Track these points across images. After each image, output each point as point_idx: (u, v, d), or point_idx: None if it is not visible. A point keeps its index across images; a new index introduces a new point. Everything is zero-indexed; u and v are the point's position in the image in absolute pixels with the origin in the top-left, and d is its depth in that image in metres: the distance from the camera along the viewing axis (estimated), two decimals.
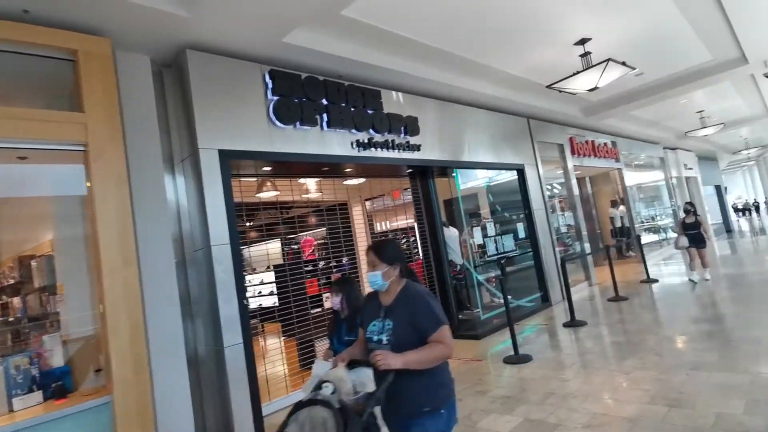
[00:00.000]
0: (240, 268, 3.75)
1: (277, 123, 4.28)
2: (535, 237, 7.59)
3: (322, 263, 7.51)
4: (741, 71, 7.61)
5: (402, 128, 5.50)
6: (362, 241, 7.89)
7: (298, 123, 4.44)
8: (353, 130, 4.97)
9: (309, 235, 10.37)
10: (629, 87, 8.27)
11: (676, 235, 8.42)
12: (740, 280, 7.19)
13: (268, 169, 4.70)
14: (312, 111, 4.54)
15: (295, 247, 11.60)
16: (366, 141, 5.07)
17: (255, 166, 4.60)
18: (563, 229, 8.72)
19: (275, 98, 4.28)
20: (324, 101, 4.69)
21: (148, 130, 3.63)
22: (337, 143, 4.83)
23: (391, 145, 5.35)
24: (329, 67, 4.72)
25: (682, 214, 8.11)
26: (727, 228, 21.32)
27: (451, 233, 6.74)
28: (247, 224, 5.89)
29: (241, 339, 3.63)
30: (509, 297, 7.18)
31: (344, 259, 7.06)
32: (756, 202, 30.99)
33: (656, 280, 8.19)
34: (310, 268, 6.68)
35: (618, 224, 12.17)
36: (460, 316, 6.38)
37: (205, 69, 3.90)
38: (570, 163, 9.26)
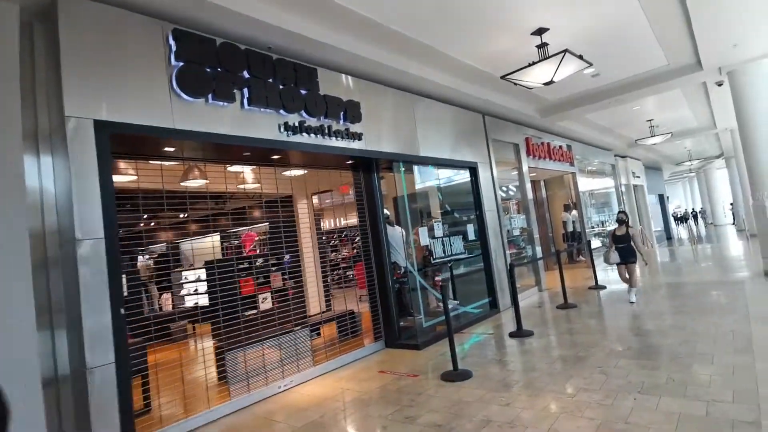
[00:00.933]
0: (117, 268, 3.01)
1: (182, 95, 3.57)
2: (486, 239, 7.21)
3: (260, 260, 6.83)
4: (695, 78, 7.56)
5: (341, 113, 4.90)
6: (307, 239, 7.23)
7: (210, 97, 3.74)
8: (282, 111, 4.31)
9: (251, 230, 9.59)
10: (584, 88, 8.08)
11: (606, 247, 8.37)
12: (682, 289, 7.13)
13: (171, 149, 3.95)
14: (228, 84, 3.85)
15: (236, 242, 10.69)
16: (296, 125, 4.42)
17: (175, 147, 3.86)
18: (515, 232, 8.43)
19: (179, 64, 3.56)
20: (245, 74, 4.01)
21: (7, 94, 2.83)
22: (262, 125, 4.17)
23: (327, 131, 4.73)
24: (255, 35, 4.04)
25: (613, 225, 8.03)
26: (668, 235, 22.24)
27: (395, 232, 6.22)
28: (182, 215, 5.08)
29: (112, 358, 2.90)
30: (455, 302, 6.83)
31: (286, 257, 6.41)
32: (694, 211, 32.76)
33: (604, 287, 8.05)
34: (245, 265, 5.92)
35: (570, 228, 12.15)
36: (401, 323, 5.87)
37: (83, 18, 3.13)
38: (525, 164, 8.99)
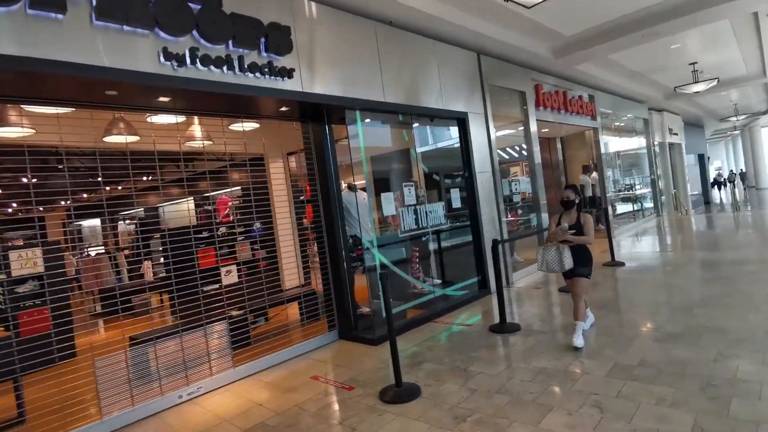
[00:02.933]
0: None
1: None
2: (476, 207, 5.96)
3: (222, 229, 5.87)
4: (744, 3, 5.84)
5: (261, 40, 3.65)
6: (283, 204, 6.15)
7: (24, 3, 2.57)
8: (160, 33, 3.11)
9: (225, 194, 8.64)
10: (610, 17, 6.45)
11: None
12: (717, 270, 5.76)
13: None
14: None
15: (209, 207, 9.74)
16: (185, 53, 3.22)
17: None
18: (516, 198, 7.12)
19: None
20: None
21: None
22: (129, 51, 2.99)
23: (239, 64, 3.51)
24: None
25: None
26: (706, 200, 20.25)
27: (357, 200, 5.07)
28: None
29: None
30: (437, 282, 5.70)
31: (257, 225, 5.41)
32: (733, 173, 29.84)
33: (622, 264, 6.74)
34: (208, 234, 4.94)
35: (589, 193, 10.66)
36: (360, 310, 4.81)
37: None
38: (533, 118, 7.53)
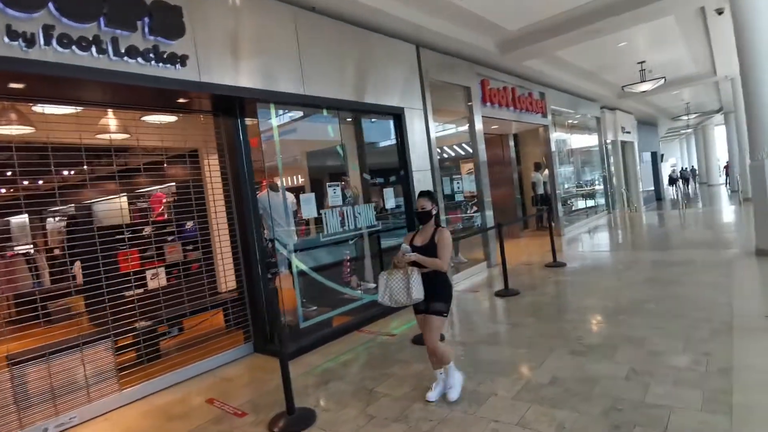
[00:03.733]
0: None
1: None
2: (411, 208, 5.68)
3: (148, 228, 5.35)
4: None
5: (143, 20, 3.20)
6: (220, 203, 5.64)
7: None
8: (5, 8, 2.63)
9: (160, 190, 8.05)
10: (554, 12, 6.28)
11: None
12: (655, 271, 5.72)
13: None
14: None
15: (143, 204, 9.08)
16: (38, 32, 2.75)
17: None
18: (459, 197, 6.89)
19: None
20: None
21: None
22: None
23: (113, 48, 3.06)
24: None
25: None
26: (658, 196, 20.87)
27: (275, 200, 4.70)
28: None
29: None
30: (370, 287, 5.38)
31: (189, 224, 4.95)
32: (684, 170, 30.87)
33: (563, 264, 6.64)
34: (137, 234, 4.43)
35: (540, 191, 10.63)
36: (282, 320, 4.45)
37: None
38: (479, 114, 7.31)
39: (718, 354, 2.99)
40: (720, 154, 26.60)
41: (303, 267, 4.54)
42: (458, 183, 6.83)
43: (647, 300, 4.38)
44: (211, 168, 4.30)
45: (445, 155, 8.72)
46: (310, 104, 4.58)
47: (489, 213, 7.26)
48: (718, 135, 25.89)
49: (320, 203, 4.70)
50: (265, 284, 4.29)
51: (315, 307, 4.89)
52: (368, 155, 5.82)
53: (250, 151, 4.24)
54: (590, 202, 13.06)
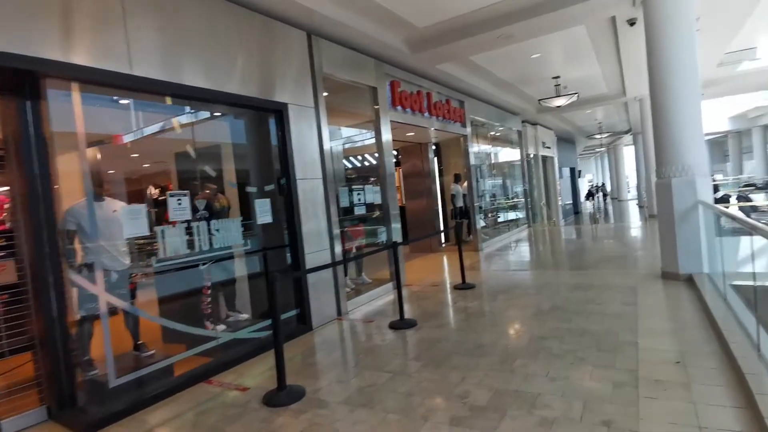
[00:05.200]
0: None
1: None
2: (295, 223, 4.77)
3: None
4: (599, 5, 5.47)
5: None
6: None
7: None
8: None
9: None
10: (464, 10, 5.73)
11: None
12: (557, 298, 5.27)
13: None
14: None
15: None
16: None
17: None
18: (360, 210, 6.09)
19: None
20: None
21: None
22: None
23: None
24: None
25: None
26: (576, 210, 21.72)
27: (105, 213, 3.59)
28: None
29: None
30: (238, 318, 4.33)
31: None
32: (596, 187, 32.89)
33: (472, 286, 6.06)
34: None
35: (460, 203, 10.20)
36: (89, 374, 3.32)
37: None
38: (386, 117, 6.59)
39: (620, 422, 2.38)
40: (629, 172, 28.63)
41: (121, 303, 3.45)
42: (359, 195, 6.02)
43: (550, 336, 3.81)
44: None
45: (351, 163, 7.93)
46: (142, 89, 3.53)
47: (396, 226, 6.53)
48: (627, 154, 27.84)
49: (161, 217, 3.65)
50: (64, 326, 3.14)
51: (151, 351, 3.81)
52: (242, 159, 4.84)
53: (45, 146, 3.11)
54: (511, 215, 12.96)
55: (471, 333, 4.15)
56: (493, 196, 11.75)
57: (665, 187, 5.29)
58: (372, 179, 6.59)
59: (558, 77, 9.60)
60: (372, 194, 6.27)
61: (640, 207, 18.75)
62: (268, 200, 4.53)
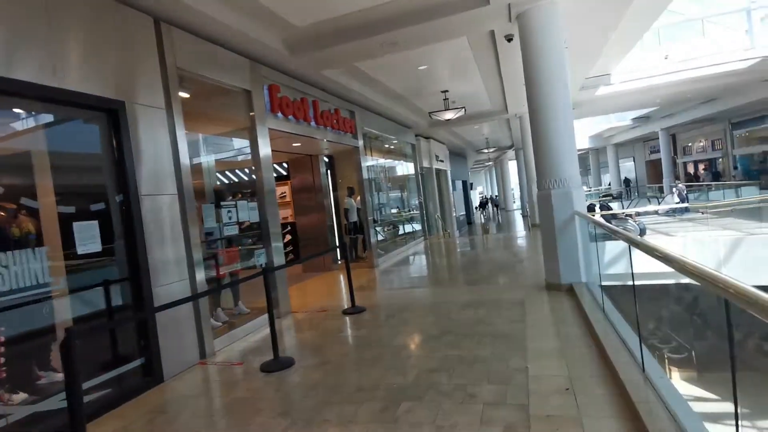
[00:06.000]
0: None
1: None
2: (136, 250, 3.81)
3: None
4: (480, 18, 5.43)
5: None
6: None
7: None
8: None
9: None
10: (339, 14, 5.30)
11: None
12: (447, 317, 5.02)
13: None
14: None
15: None
16: None
17: None
18: (230, 230, 5.26)
19: None
20: None
21: None
22: None
23: None
24: None
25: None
26: (469, 221, 22.77)
27: None
28: None
29: None
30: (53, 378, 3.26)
31: None
32: (486, 198, 35.46)
33: (362, 309, 5.56)
34: None
35: (354, 218, 9.74)
36: None
37: None
38: (262, 125, 5.86)
39: None
40: (513, 185, 31.18)
41: None
42: (230, 212, 5.20)
43: (439, 369, 3.42)
44: None
45: (232, 177, 7.04)
46: None
47: (277, 246, 5.80)
48: (511, 168, 30.31)
49: None
50: None
51: None
52: (65, 171, 3.77)
53: None
54: (408, 228, 12.90)
55: (353, 371, 3.60)
56: (389, 209, 11.55)
57: (546, 198, 5.36)
58: (248, 194, 5.78)
59: (446, 91, 9.73)
60: (247, 211, 5.47)
61: (524, 216, 20.26)
62: (93, 223, 3.53)
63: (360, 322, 5.10)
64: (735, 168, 21.99)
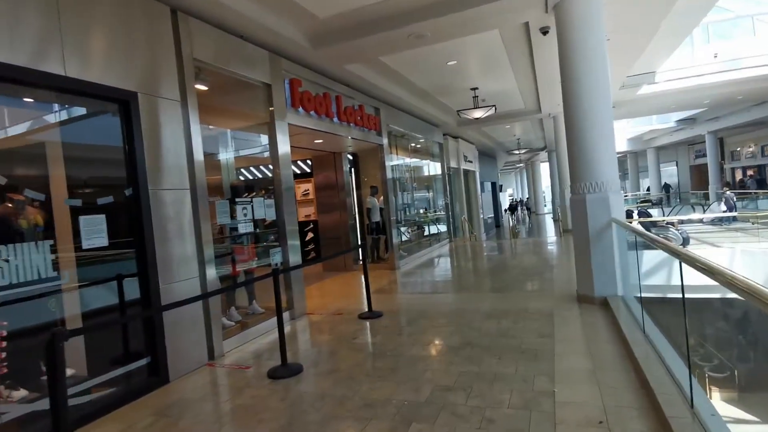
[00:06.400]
0: None
1: None
2: (145, 247, 3.69)
3: None
4: (510, 7, 5.07)
5: None
6: None
7: None
8: None
9: None
10: (364, 3, 5.06)
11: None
12: (470, 331, 4.70)
13: None
14: None
15: None
16: None
17: None
18: (245, 228, 5.11)
19: None
20: None
21: None
22: None
23: None
24: None
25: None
26: (497, 224, 22.17)
27: None
28: None
29: None
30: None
31: None
32: (515, 201, 34.56)
33: (379, 314, 5.31)
34: None
35: (376, 218, 9.50)
36: None
37: None
38: (282, 120, 5.70)
39: None
40: (545, 188, 30.19)
41: None
42: (245, 210, 5.05)
43: (456, 387, 3.12)
44: None
45: (250, 173, 6.94)
46: None
47: (294, 244, 5.62)
48: (543, 170, 29.36)
49: None
50: None
51: None
52: (79, 163, 3.69)
53: None
54: (432, 230, 12.56)
55: (363, 383, 3.35)
56: (413, 209, 11.26)
57: (580, 203, 4.96)
58: (265, 191, 5.63)
59: (476, 89, 9.35)
60: (264, 208, 5.32)
61: (555, 221, 19.51)
62: (101, 217, 3.42)
63: (376, 328, 4.85)
64: None
